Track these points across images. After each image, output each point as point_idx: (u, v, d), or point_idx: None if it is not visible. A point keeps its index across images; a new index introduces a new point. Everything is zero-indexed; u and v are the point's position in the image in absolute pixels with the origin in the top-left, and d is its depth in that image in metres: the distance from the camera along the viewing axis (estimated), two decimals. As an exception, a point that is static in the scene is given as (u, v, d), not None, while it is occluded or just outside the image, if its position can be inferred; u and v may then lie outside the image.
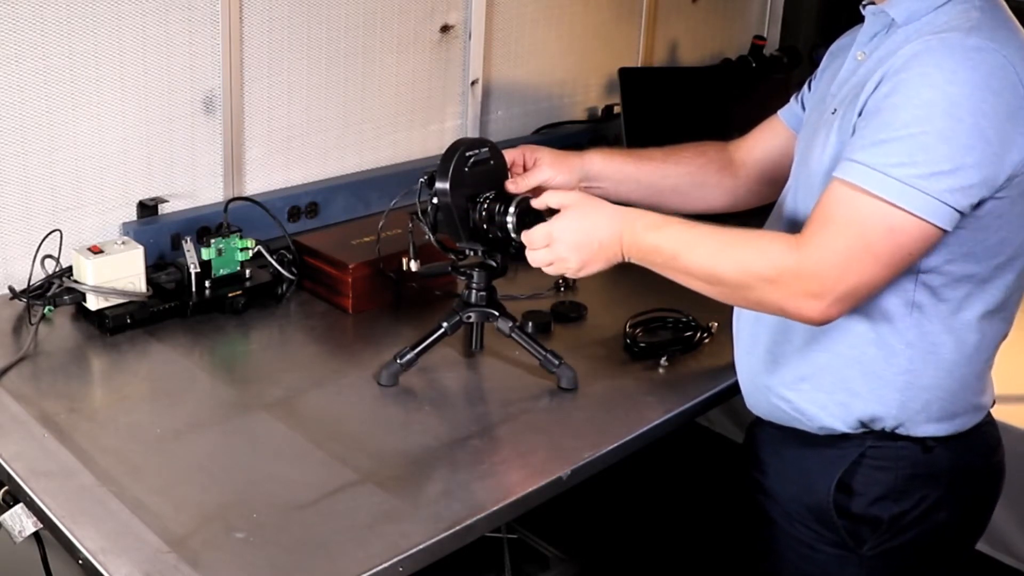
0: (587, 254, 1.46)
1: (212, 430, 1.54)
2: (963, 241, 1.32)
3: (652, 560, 2.71)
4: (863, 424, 1.44)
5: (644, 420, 1.60)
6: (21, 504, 1.38)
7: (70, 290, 1.77)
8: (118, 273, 1.78)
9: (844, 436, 1.45)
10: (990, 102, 1.25)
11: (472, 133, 2.52)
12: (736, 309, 1.57)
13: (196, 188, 2.08)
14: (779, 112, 1.73)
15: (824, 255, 1.30)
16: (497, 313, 1.67)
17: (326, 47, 2.21)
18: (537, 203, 1.53)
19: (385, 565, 1.25)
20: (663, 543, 2.76)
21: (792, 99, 1.70)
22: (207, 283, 1.86)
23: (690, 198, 1.71)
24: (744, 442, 1.63)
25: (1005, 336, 1.47)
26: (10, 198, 1.85)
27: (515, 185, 1.60)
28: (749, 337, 1.54)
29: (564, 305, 1.93)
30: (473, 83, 2.50)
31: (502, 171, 1.62)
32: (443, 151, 1.58)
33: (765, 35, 3.15)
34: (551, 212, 1.50)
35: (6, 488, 1.41)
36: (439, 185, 1.56)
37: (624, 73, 2.55)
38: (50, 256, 1.79)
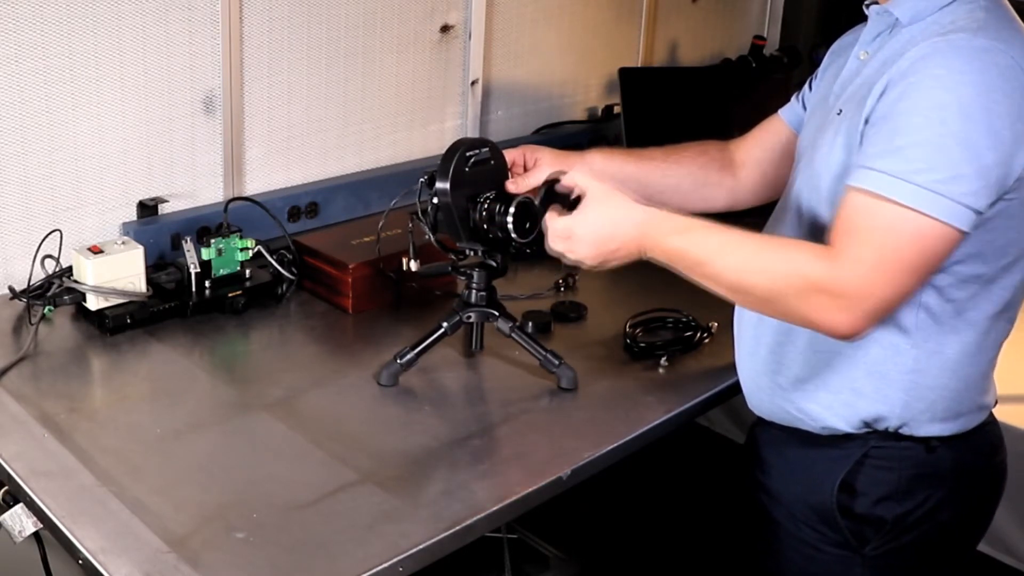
0: (606, 252, 1.44)
1: (212, 430, 1.54)
2: (972, 242, 1.31)
3: (652, 560, 2.71)
4: (867, 424, 1.44)
5: (644, 420, 1.60)
6: (21, 504, 1.38)
7: (70, 290, 1.77)
8: (118, 273, 1.78)
9: (847, 436, 1.45)
10: (1002, 102, 1.25)
11: (472, 133, 2.52)
12: (738, 310, 1.57)
13: (196, 188, 2.08)
14: (780, 111, 1.72)
15: (855, 268, 1.27)
16: (497, 313, 1.67)
17: (326, 47, 2.21)
18: (563, 185, 1.49)
19: (385, 565, 1.25)
20: (663, 543, 2.76)
21: (793, 98, 1.70)
22: (207, 283, 1.86)
23: (691, 197, 1.71)
24: (746, 442, 1.63)
25: (1007, 336, 1.47)
26: (10, 198, 1.85)
27: (515, 185, 1.59)
28: (751, 339, 1.54)
29: (564, 305, 1.93)
30: (473, 83, 2.50)
31: (502, 171, 1.62)
32: (443, 151, 1.58)
33: (765, 35, 3.15)
34: (574, 202, 1.47)
35: (6, 488, 1.40)
36: (439, 185, 1.56)
37: (624, 73, 2.55)
38: (50, 256, 1.79)
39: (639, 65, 2.92)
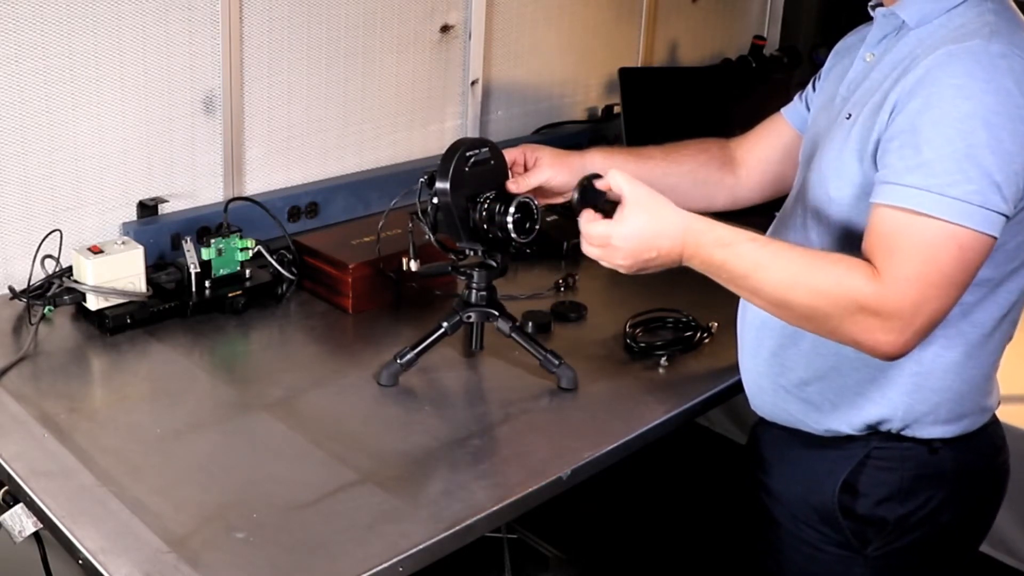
0: (643, 260, 1.39)
1: (212, 430, 1.54)
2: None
3: (652, 560, 2.71)
4: (869, 427, 1.43)
5: (644, 420, 1.60)
6: (21, 504, 1.38)
7: (70, 290, 1.77)
8: (118, 273, 1.78)
9: (849, 437, 1.45)
10: (1023, 107, 1.24)
11: (472, 133, 2.52)
12: (740, 310, 1.56)
13: (196, 188, 2.08)
14: (782, 111, 1.71)
15: (904, 289, 1.25)
16: (497, 313, 1.67)
17: (326, 47, 2.21)
18: (601, 184, 1.44)
19: (385, 565, 1.25)
20: (663, 543, 2.76)
21: (796, 98, 1.69)
22: (207, 283, 1.86)
23: (691, 196, 1.70)
24: (748, 443, 1.63)
25: (1011, 338, 1.46)
26: (10, 198, 1.85)
27: (515, 185, 1.58)
28: (754, 340, 1.53)
29: (564, 305, 1.93)
30: (473, 83, 2.50)
31: (502, 171, 1.62)
32: (443, 151, 1.58)
33: (765, 35, 3.15)
34: (611, 206, 1.42)
35: (6, 488, 1.40)
36: (439, 185, 1.56)
37: (624, 73, 2.55)
38: (50, 256, 1.79)
39: (639, 65, 2.92)
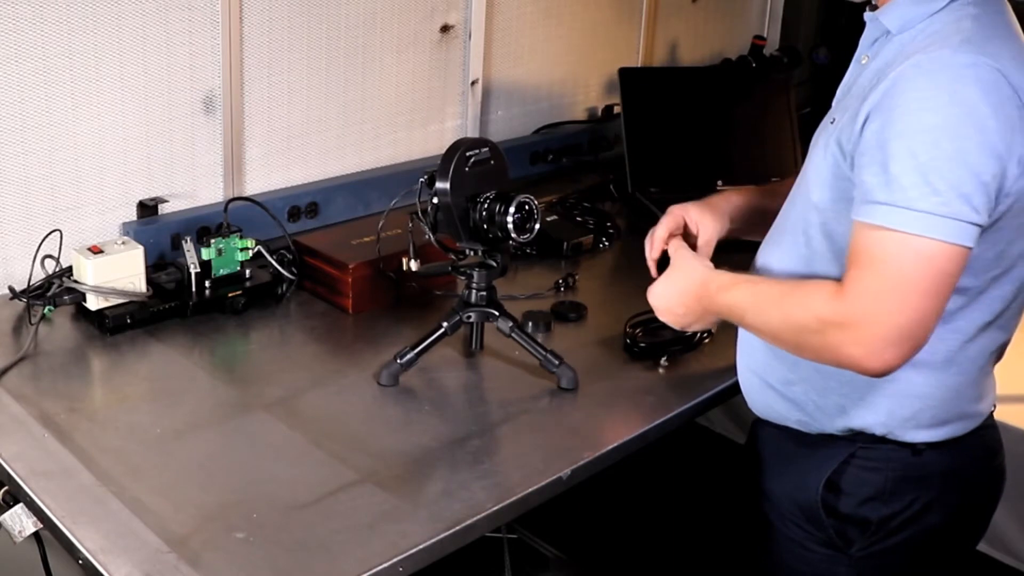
0: (680, 316, 1.55)
1: (212, 430, 1.54)
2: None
3: (652, 560, 2.71)
4: (852, 430, 1.44)
5: (644, 420, 1.60)
6: (21, 504, 1.38)
7: (70, 290, 1.77)
8: (118, 273, 1.78)
9: (835, 437, 1.45)
10: (991, 116, 1.23)
11: (472, 133, 2.52)
12: None
13: (196, 188, 2.08)
14: None
15: (861, 298, 1.26)
16: (497, 313, 1.67)
17: (326, 47, 2.21)
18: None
19: (385, 565, 1.25)
20: (663, 543, 2.76)
21: None
22: (207, 283, 1.86)
23: None
24: (746, 441, 1.63)
25: (1005, 344, 1.46)
26: (10, 198, 1.85)
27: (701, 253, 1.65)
28: (748, 336, 1.54)
29: (564, 305, 1.93)
30: (473, 83, 2.50)
31: (502, 171, 1.62)
32: (443, 151, 1.58)
33: (765, 35, 3.15)
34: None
35: (6, 488, 1.40)
36: (439, 185, 1.56)
37: (624, 73, 2.55)
38: (50, 256, 1.79)
39: (639, 65, 2.92)
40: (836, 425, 1.44)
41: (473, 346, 1.73)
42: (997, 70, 1.24)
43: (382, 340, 1.81)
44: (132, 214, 2.00)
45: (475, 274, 1.66)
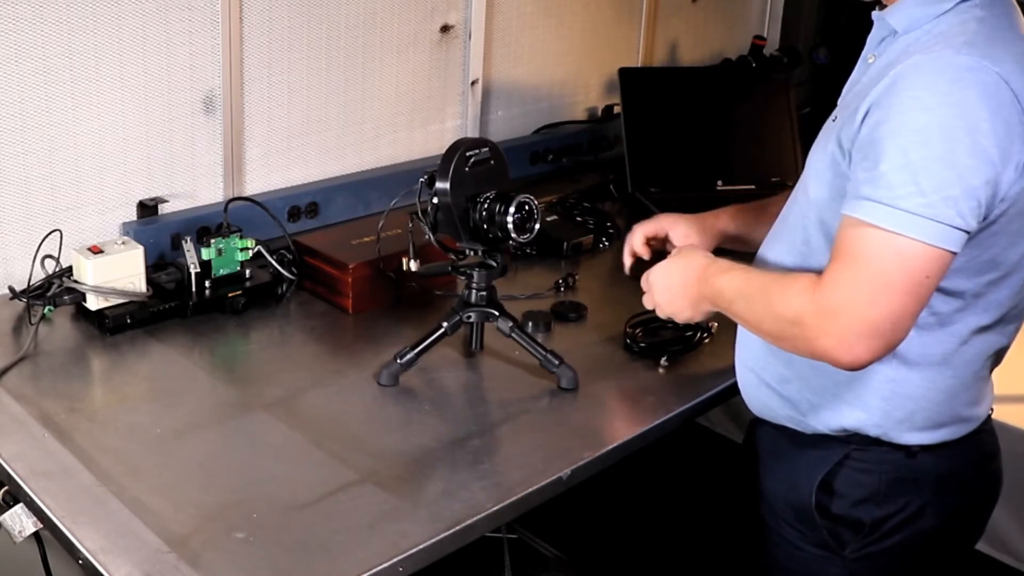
0: (674, 297, 1.54)
1: (212, 430, 1.54)
2: (955, 257, 1.28)
3: (652, 560, 2.71)
4: (846, 430, 1.43)
5: (644, 420, 1.60)
6: (21, 504, 1.38)
7: (70, 290, 1.77)
8: (118, 273, 1.78)
9: (829, 437, 1.45)
10: (987, 120, 1.22)
11: (472, 133, 2.52)
12: None
13: (196, 188, 2.08)
14: None
15: (839, 292, 1.26)
16: (497, 313, 1.67)
17: (326, 47, 2.21)
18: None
19: (385, 565, 1.25)
20: (663, 543, 2.76)
21: None
22: (207, 283, 1.86)
23: None
24: (744, 440, 1.63)
25: (1004, 349, 1.45)
26: (10, 198, 1.85)
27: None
28: (745, 334, 1.54)
29: (564, 305, 1.93)
30: (473, 83, 2.50)
31: (502, 171, 1.62)
32: (443, 151, 1.58)
33: (765, 35, 3.15)
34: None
35: (6, 488, 1.40)
36: (439, 185, 1.56)
37: (624, 73, 2.55)
38: (50, 256, 1.79)
39: (639, 65, 2.92)
40: (830, 424, 1.44)
41: (473, 346, 1.73)
42: (997, 74, 1.23)
43: (382, 340, 1.81)
44: (132, 214, 2.00)
45: (475, 274, 1.66)
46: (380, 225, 1.84)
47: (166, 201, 2.02)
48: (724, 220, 1.75)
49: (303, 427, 1.54)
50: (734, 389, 1.64)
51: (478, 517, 1.36)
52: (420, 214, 1.62)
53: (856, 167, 1.29)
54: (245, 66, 2.08)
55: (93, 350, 1.74)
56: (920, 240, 1.23)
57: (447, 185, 1.55)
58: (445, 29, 2.41)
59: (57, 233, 1.80)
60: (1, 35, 1.76)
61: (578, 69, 2.77)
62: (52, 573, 1.66)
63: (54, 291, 1.78)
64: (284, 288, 1.94)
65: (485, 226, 1.58)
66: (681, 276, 1.54)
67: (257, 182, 2.17)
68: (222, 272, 1.88)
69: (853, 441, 1.43)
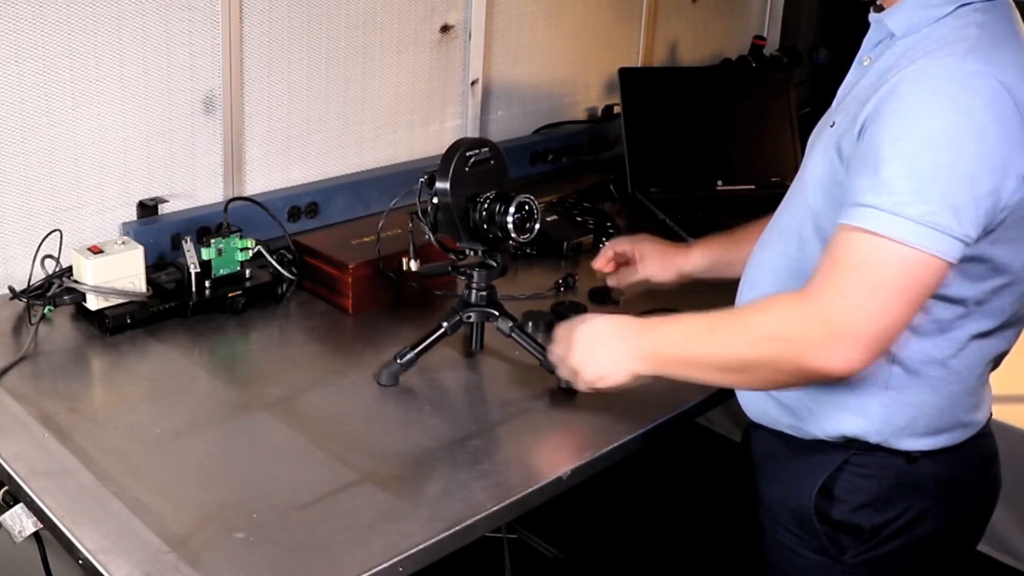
0: (594, 352, 1.45)
1: (212, 430, 1.54)
2: (956, 265, 1.26)
3: (652, 560, 2.71)
4: (846, 437, 1.42)
5: (644, 420, 1.60)
6: (21, 504, 1.38)
7: (70, 290, 1.77)
8: (118, 273, 1.78)
9: (828, 443, 1.44)
10: (992, 128, 1.21)
11: (472, 133, 2.52)
12: (736, 305, 1.56)
13: (196, 188, 2.08)
14: None
15: (835, 301, 1.24)
16: (497, 313, 1.67)
17: (326, 47, 2.21)
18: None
19: (385, 565, 1.25)
20: (663, 543, 2.76)
21: None
22: (207, 283, 1.86)
23: None
24: (740, 444, 1.63)
25: (1004, 354, 1.44)
26: (10, 198, 1.85)
27: (615, 280, 1.73)
28: None
29: (564, 305, 1.93)
30: (473, 83, 2.50)
31: (502, 171, 1.62)
32: (443, 151, 1.58)
33: (765, 35, 3.15)
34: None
35: (6, 488, 1.40)
36: (439, 185, 1.56)
37: (624, 73, 2.55)
38: (50, 256, 1.79)
39: (639, 65, 2.92)
40: (830, 432, 1.43)
41: (473, 346, 1.73)
42: (1000, 82, 1.22)
43: (382, 340, 1.81)
44: (132, 214, 2.00)
45: (475, 274, 1.66)
46: (380, 225, 1.84)
47: (166, 201, 2.02)
48: (693, 261, 1.75)
49: (303, 427, 1.54)
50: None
51: (478, 517, 1.36)
52: (420, 214, 1.62)
53: (854, 175, 1.27)
54: (245, 66, 2.08)
55: (93, 350, 1.74)
56: (922, 249, 1.21)
57: (447, 185, 1.55)
58: (445, 29, 2.41)
59: (57, 233, 1.80)
60: (1, 35, 1.76)
61: (578, 69, 2.77)
62: (52, 573, 1.66)
63: (54, 291, 1.78)
64: (284, 288, 1.94)
65: (485, 226, 1.58)
66: (611, 329, 1.45)
67: (257, 182, 2.17)
68: (222, 272, 1.88)
69: (853, 447, 1.42)
